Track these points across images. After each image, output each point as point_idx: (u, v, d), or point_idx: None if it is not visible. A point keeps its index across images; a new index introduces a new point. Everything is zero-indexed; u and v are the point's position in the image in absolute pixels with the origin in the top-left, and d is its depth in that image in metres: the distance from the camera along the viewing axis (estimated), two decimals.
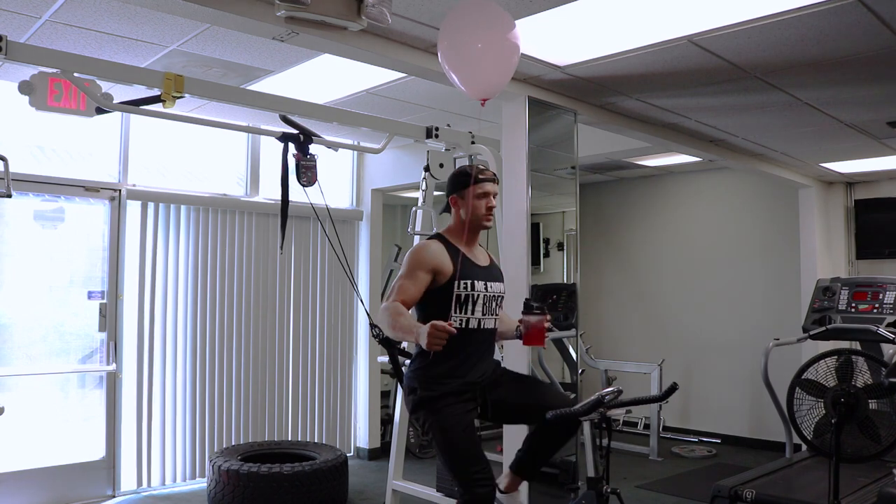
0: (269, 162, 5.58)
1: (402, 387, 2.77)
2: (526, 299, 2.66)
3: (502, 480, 2.82)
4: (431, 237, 2.70)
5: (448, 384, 2.53)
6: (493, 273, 2.73)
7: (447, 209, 2.76)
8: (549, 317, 2.57)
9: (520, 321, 2.64)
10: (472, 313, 2.58)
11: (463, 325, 2.56)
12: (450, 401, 2.51)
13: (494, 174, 2.73)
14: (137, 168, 4.98)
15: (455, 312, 2.54)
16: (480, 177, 2.64)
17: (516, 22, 2.78)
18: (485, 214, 2.65)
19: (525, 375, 2.84)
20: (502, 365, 2.88)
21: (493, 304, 2.67)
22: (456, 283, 2.53)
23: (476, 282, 2.60)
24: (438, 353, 2.51)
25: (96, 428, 4.69)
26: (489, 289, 2.64)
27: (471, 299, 2.58)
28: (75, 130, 4.78)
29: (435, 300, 2.53)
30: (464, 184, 2.65)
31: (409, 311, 2.53)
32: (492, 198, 2.66)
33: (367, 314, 3.60)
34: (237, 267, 5.38)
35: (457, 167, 2.86)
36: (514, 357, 3.51)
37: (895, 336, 4.00)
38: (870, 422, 3.61)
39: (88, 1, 2.95)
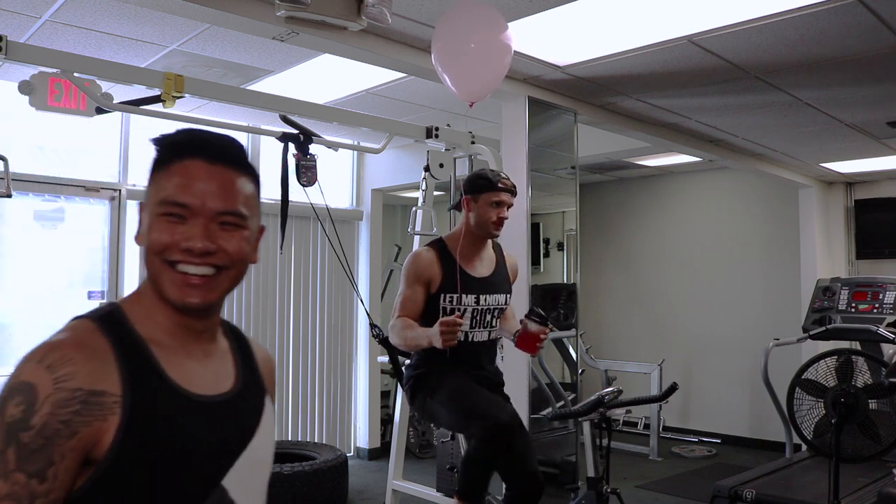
0: (269, 162, 5.56)
1: (401, 386, 2.77)
2: (533, 306, 2.64)
3: None
4: (430, 243, 2.67)
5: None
6: (492, 284, 2.65)
7: (457, 206, 2.71)
8: (549, 330, 2.52)
9: (521, 321, 2.62)
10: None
11: None
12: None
13: (514, 185, 2.67)
14: (137, 168, 4.97)
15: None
16: (499, 185, 2.60)
17: (517, 22, 2.79)
18: (494, 223, 2.60)
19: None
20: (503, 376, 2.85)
21: (488, 316, 2.61)
22: (441, 296, 2.54)
23: (465, 296, 2.55)
24: (431, 363, 2.50)
25: None
26: (481, 302, 2.59)
27: (456, 313, 2.53)
28: (75, 130, 4.77)
29: (428, 309, 2.55)
30: (481, 187, 2.61)
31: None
32: (505, 209, 2.62)
33: (368, 314, 3.60)
34: None
35: (477, 170, 2.81)
36: (514, 356, 3.51)
37: (895, 336, 4.00)
38: (870, 422, 3.62)
39: (88, 1, 2.94)
